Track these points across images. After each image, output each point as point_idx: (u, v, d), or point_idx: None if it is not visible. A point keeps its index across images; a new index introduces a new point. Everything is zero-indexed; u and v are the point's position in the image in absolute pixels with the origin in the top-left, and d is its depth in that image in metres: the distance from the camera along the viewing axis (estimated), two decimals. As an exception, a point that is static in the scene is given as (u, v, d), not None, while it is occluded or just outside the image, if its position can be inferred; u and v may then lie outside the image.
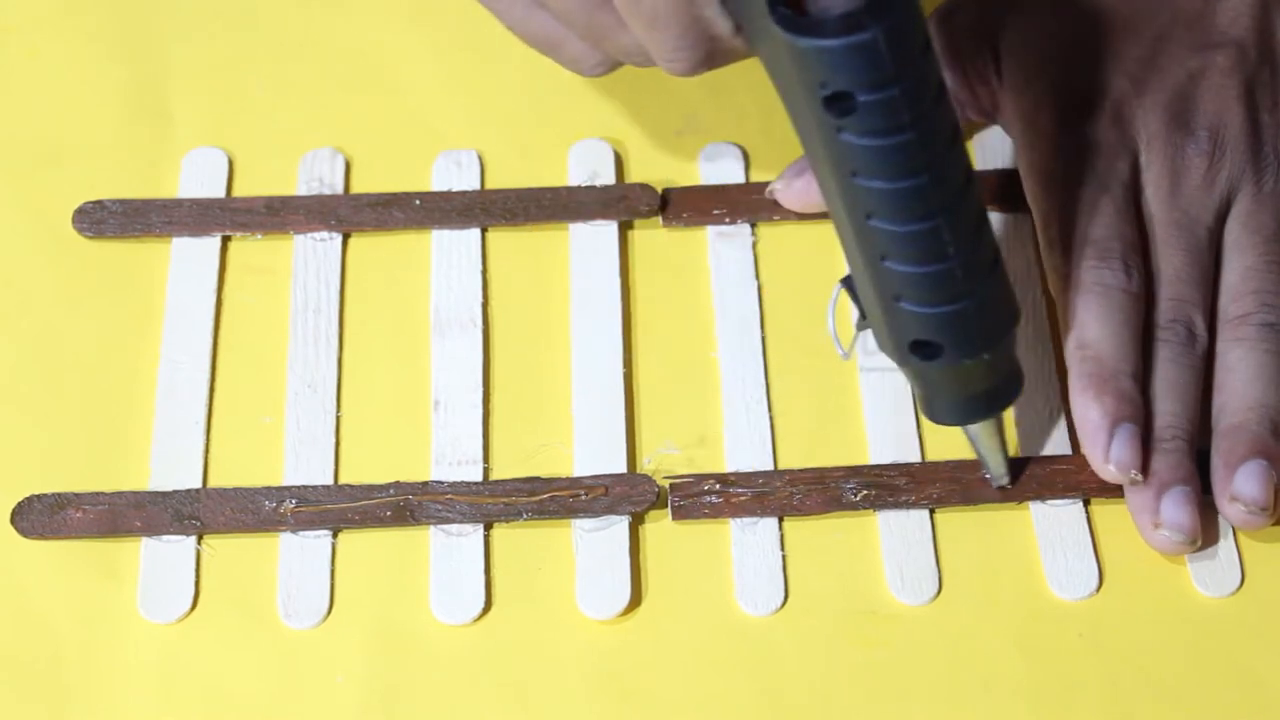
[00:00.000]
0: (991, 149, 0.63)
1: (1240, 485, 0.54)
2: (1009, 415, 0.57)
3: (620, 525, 0.55)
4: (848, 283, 0.53)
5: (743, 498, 0.56)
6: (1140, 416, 0.55)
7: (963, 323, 0.51)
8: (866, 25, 0.45)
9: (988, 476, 0.56)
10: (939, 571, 0.55)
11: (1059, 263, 0.57)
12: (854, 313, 0.53)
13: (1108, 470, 0.55)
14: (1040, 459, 0.56)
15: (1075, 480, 0.56)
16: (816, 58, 0.45)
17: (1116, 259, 0.56)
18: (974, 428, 0.54)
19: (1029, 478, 0.56)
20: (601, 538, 0.55)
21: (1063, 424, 0.57)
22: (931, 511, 0.56)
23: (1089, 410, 0.55)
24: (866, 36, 0.45)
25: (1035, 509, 0.56)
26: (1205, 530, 0.55)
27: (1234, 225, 0.58)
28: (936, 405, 0.54)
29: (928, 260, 0.49)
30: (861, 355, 0.59)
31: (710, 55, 0.51)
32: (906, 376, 0.54)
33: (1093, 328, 0.55)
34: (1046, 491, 0.56)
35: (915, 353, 0.52)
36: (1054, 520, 0.56)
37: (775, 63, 0.48)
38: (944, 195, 0.48)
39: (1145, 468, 0.54)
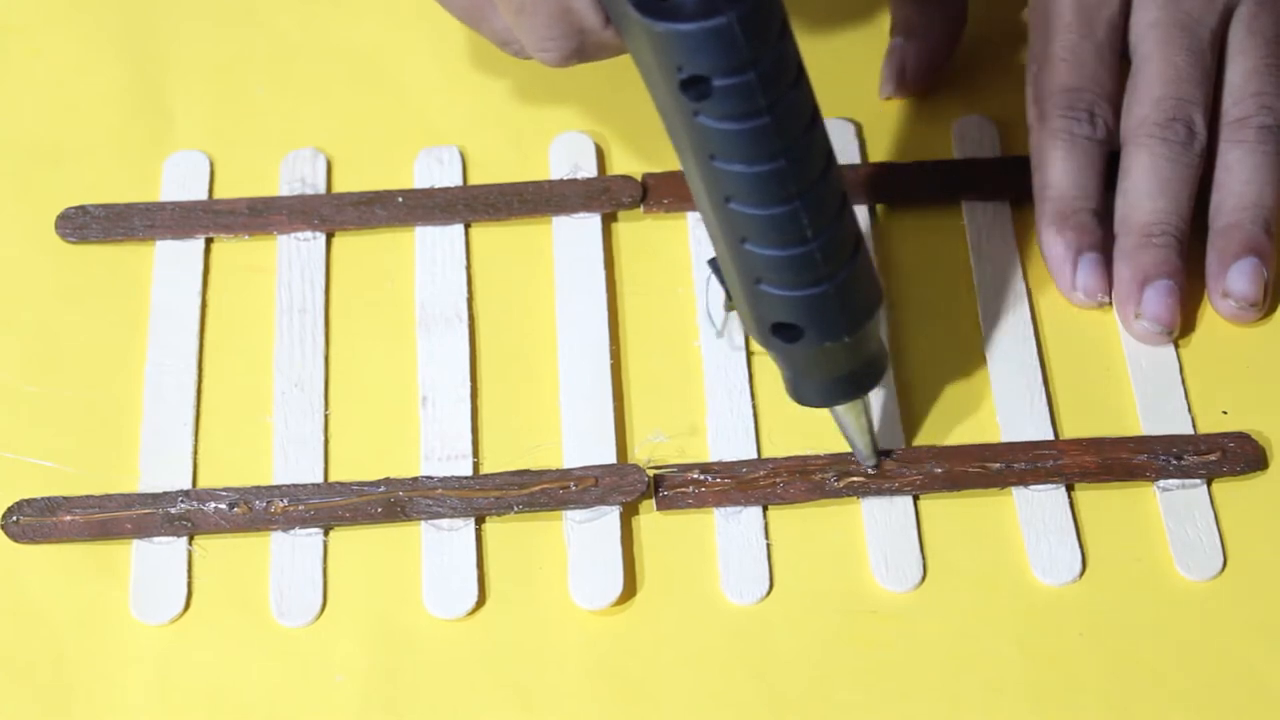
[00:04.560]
0: (971, 138, 0.64)
1: (1233, 281, 0.57)
2: (988, 396, 0.58)
3: (611, 516, 0.56)
4: (714, 264, 0.53)
5: (725, 487, 0.56)
6: (1102, 246, 0.57)
7: (823, 306, 0.51)
8: (722, 9, 0.45)
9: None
10: (923, 557, 0.55)
11: (1035, 100, 0.59)
12: (722, 294, 0.54)
13: (1076, 296, 0.58)
14: (1023, 445, 0.57)
15: (1058, 466, 0.56)
16: (672, 41, 0.46)
17: (1084, 109, 0.58)
18: (840, 409, 0.55)
19: (1012, 463, 0.56)
20: (593, 529, 0.55)
21: (1044, 409, 0.58)
22: (915, 498, 0.56)
23: (1054, 243, 0.58)
24: (721, 21, 0.45)
25: (1018, 494, 0.56)
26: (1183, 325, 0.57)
27: (1237, 27, 0.59)
28: (801, 387, 0.54)
29: (786, 244, 0.49)
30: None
31: (582, 48, 0.51)
32: (771, 358, 0.54)
33: (1057, 170, 0.58)
34: (1029, 477, 0.56)
35: (777, 335, 0.52)
36: (1037, 505, 0.56)
37: (637, 47, 0.48)
38: (802, 179, 0.48)
39: (1108, 291, 0.58)
